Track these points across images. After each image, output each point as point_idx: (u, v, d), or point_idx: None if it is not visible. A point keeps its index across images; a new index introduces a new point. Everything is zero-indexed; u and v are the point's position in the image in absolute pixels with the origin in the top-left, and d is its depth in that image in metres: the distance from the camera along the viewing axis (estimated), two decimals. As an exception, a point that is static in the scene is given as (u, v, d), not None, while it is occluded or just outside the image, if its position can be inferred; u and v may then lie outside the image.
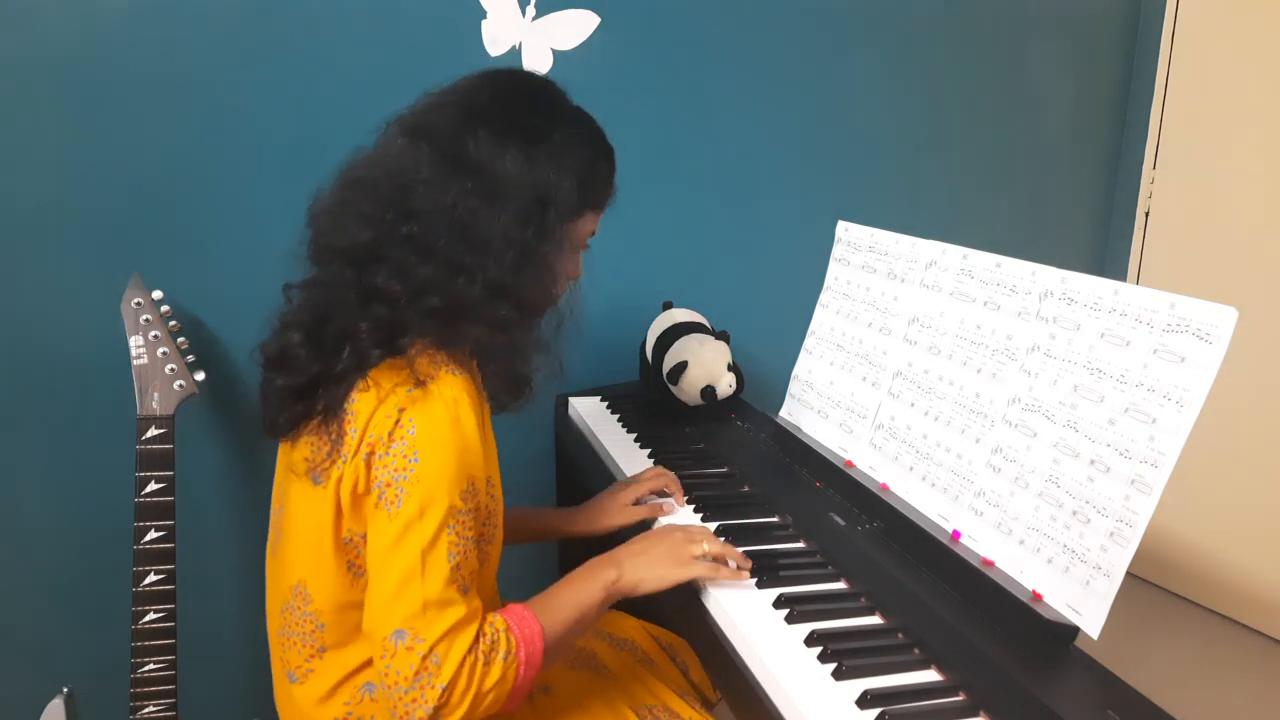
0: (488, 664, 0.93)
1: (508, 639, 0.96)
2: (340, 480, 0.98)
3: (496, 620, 0.97)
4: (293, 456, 1.05)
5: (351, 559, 1.01)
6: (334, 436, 0.98)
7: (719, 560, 1.13)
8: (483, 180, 0.98)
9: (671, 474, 1.38)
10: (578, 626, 1.05)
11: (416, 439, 0.94)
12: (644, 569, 1.09)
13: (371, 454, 0.96)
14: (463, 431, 0.97)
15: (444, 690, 0.89)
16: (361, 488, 0.97)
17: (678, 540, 1.13)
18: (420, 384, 0.97)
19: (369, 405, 0.97)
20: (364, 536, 0.99)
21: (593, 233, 1.15)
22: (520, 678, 0.96)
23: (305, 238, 1.05)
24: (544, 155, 1.01)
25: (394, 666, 0.90)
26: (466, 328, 0.99)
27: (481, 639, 0.94)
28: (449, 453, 0.95)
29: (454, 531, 0.94)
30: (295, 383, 1.01)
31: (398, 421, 0.95)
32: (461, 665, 0.90)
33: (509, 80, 1.07)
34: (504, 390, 1.06)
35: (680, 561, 1.11)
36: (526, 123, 1.02)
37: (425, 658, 0.89)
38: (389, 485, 0.94)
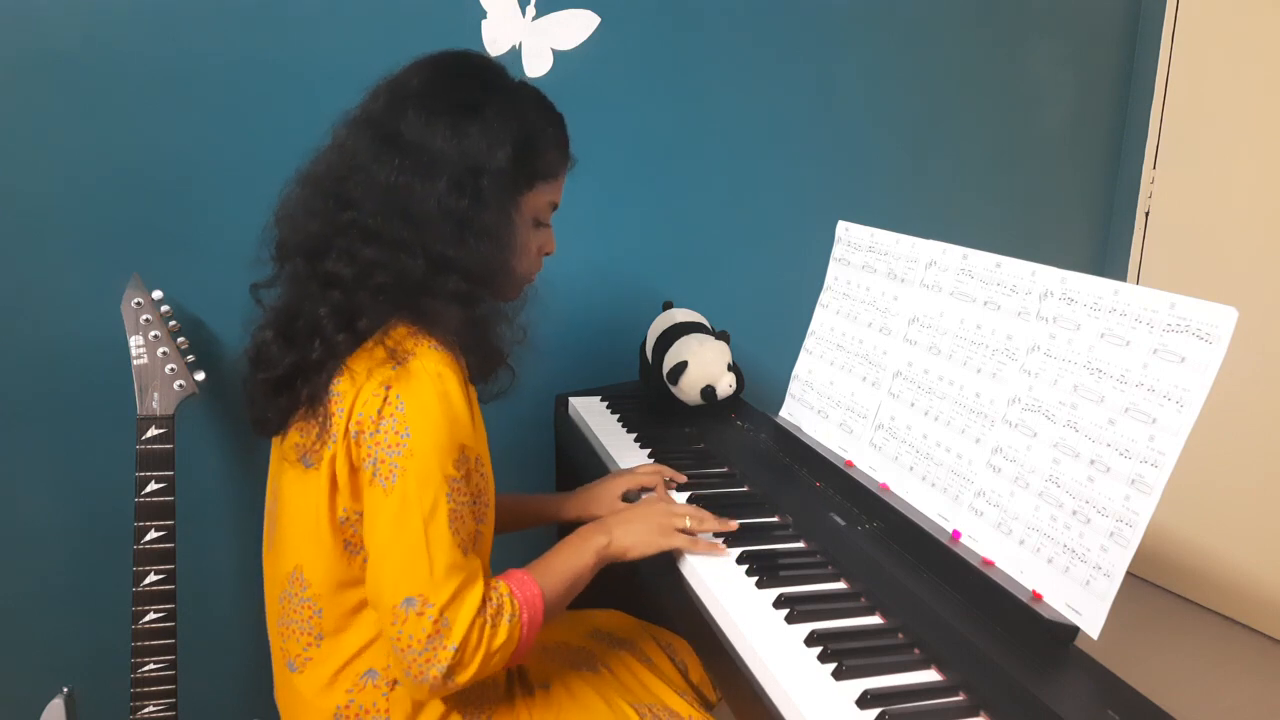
0: (494, 626, 0.98)
1: (512, 602, 1.01)
2: (333, 459, 1.00)
3: (500, 585, 1.02)
4: (284, 447, 1.07)
5: (348, 537, 1.03)
6: (321, 420, 1.00)
7: (696, 531, 1.22)
8: (413, 157, 1.00)
9: (668, 470, 1.41)
10: (573, 589, 1.12)
11: (406, 414, 0.96)
12: (631, 536, 1.17)
13: (361, 432, 0.98)
14: (450, 403, 0.99)
15: (456, 650, 0.94)
16: (357, 463, 0.99)
17: (661, 511, 1.22)
18: (402, 361, 0.98)
19: (354, 382, 0.99)
20: (360, 514, 1.01)
21: (554, 205, 1.16)
22: (524, 637, 1.01)
23: (270, 241, 1.09)
24: (475, 127, 1.02)
25: (405, 631, 0.94)
26: (427, 303, 1.01)
27: (488, 604, 0.98)
28: (439, 424, 0.97)
29: (451, 499, 0.97)
30: (273, 375, 1.04)
31: (385, 399, 0.97)
32: (471, 626, 0.95)
33: (440, 60, 1.09)
34: (477, 367, 1.08)
35: (664, 531, 1.19)
36: (456, 97, 1.03)
37: (436, 621, 0.94)
38: (382, 461, 0.96)
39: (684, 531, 1.20)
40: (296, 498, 1.05)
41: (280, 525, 1.09)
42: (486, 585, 1.00)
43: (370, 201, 1.00)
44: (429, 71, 1.07)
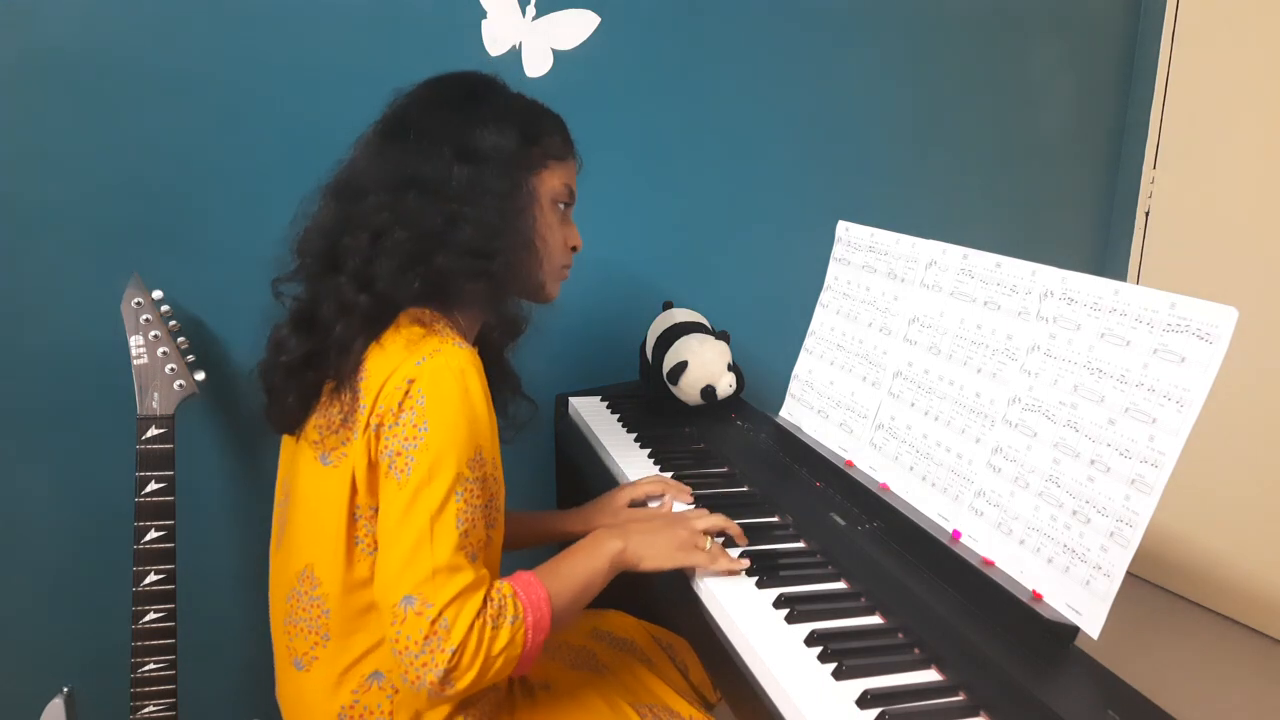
0: (496, 628, 0.95)
1: (515, 604, 0.97)
2: (353, 455, 1.00)
3: (503, 586, 0.99)
4: (299, 445, 1.08)
5: (358, 534, 1.03)
6: (346, 406, 1.01)
7: (719, 549, 1.18)
8: (417, 139, 1.06)
9: (672, 481, 1.38)
10: (584, 594, 1.08)
11: (426, 408, 0.96)
12: (649, 547, 1.13)
13: (381, 425, 0.98)
14: (471, 401, 0.99)
15: (454, 653, 0.91)
16: (375, 458, 0.99)
17: (684, 527, 1.17)
18: (429, 355, 0.99)
19: (379, 376, 0.99)
20: (374, 510, 1.01)
21: (570, 190, 1.18)
22: (529, 643, 0.98)
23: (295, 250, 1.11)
24: (482, 110, 1.09)
25: (404, 631, 0.92)
26: (449, 281, 1.05)
27: (489, 604, 0.95)
28: (458, 421, 0.97)
29: (462, 499, 0.96)
30: (302, 352, 1.05)
31: (407, 393, 0.97)
32: (470, 629, 0.92)
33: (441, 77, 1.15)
34: (502, 332, 1.13)
35: (683, 547, 1.15)
36: (457, 90, 1.11)
37: (434, 622, 0.91)
38: (399, 454, 0.96)
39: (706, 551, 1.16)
40: (313, 495, 1.05)
41: (293, 522, 1.09)
42: (490, 589, 0.97)
43: (381, 191, 1.04)
44: (431, 83, 1.12)
